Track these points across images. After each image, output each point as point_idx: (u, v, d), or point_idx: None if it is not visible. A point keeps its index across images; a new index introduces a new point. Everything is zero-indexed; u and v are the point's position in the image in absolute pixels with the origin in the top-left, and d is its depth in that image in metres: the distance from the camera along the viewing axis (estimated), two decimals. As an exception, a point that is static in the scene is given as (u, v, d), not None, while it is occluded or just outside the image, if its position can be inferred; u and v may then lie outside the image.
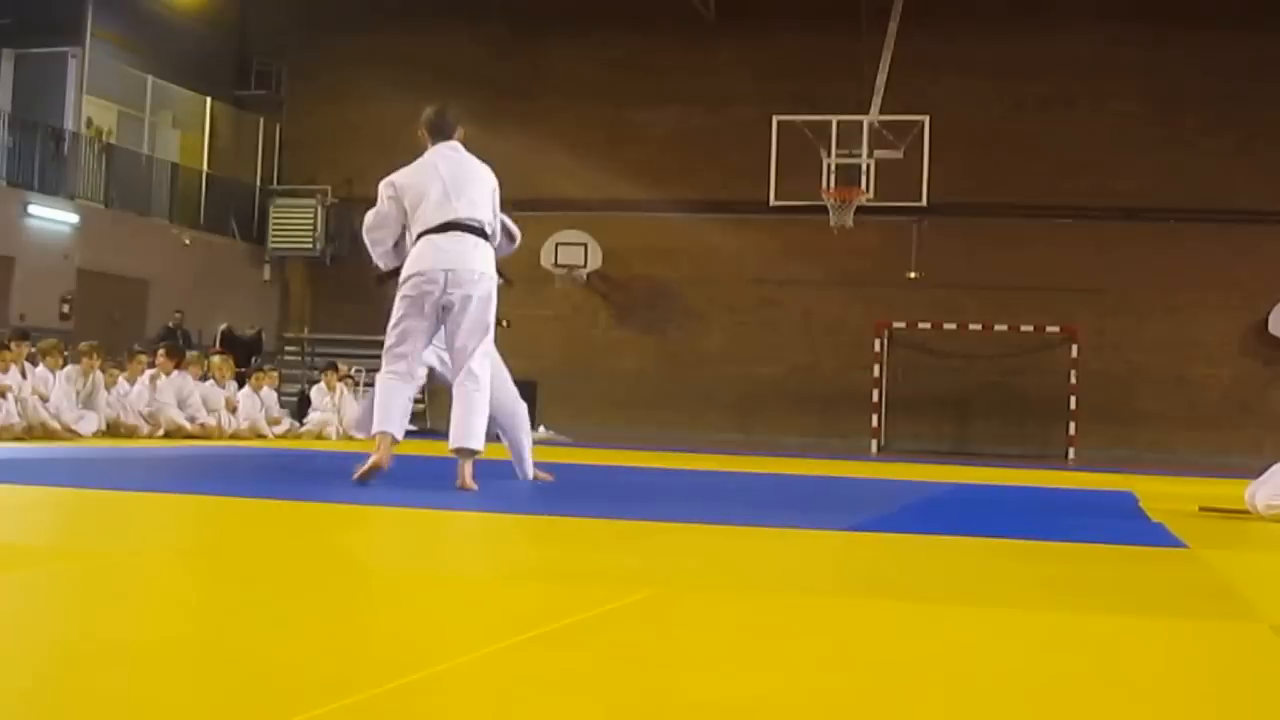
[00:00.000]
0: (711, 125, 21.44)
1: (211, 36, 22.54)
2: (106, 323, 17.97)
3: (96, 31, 19.62)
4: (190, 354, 14.48)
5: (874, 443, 20.36)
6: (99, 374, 12.43)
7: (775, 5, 21.29)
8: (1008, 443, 19.78)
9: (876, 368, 20.71)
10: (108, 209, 19.34)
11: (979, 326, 20.38)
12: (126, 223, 19.55)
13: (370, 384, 22.04)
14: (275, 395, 15.17)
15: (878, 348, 20.79)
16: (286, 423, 14.78)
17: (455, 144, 6.95)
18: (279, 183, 23.04)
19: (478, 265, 6.39)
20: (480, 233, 6.50)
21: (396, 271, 6.61)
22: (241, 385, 14.57)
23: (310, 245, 22.51)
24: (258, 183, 22.86)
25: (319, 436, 14.42)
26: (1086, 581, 3.79)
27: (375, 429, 6.46)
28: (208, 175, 21.70)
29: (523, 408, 7.30)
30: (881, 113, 18.49)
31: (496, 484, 6.79)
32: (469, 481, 6.20)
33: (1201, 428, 19.93)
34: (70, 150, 18.93)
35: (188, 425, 13.11)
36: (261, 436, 13.87)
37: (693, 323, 21.52)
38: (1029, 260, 20.40)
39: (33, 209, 18.08)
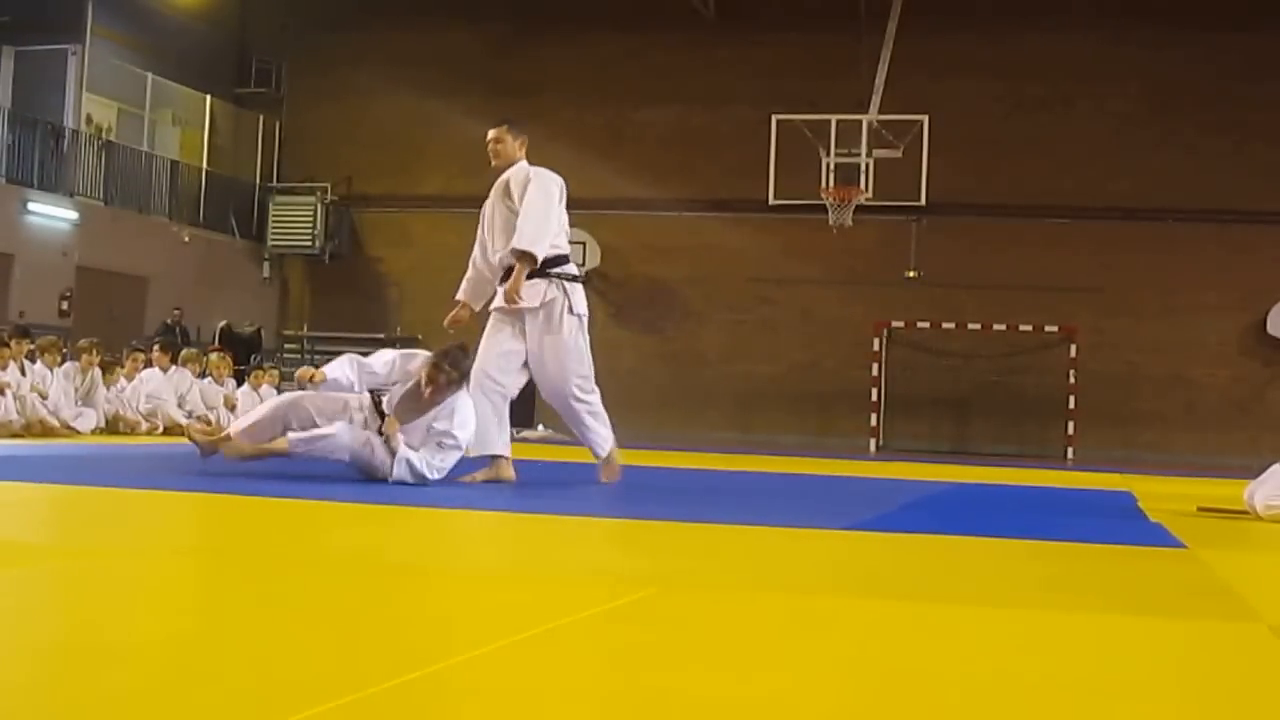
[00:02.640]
0: (711, 124, 21.44)
1: (211, 34, 22.53)
2: (105, 320, 17.96)
3: (96, 29, 19.61)
4: (189, 351, 14.46)
5: (872, 442, 20.37)
6: (97, 371, 12.42)
7: (775, 4, 21.30)
8: (1006, 442, 19.78)
9: (875, 367, 20.71)
10: (107, 206, 19.33)
11: (978, 326, 20.39)
12: (126, 220, 19.55)
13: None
14: (275, 393, 15.16)
15: (876, 347, 20.79)
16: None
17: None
18: (278, 180, 23.05)
19: None
20: None
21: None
22: (240, 383, 14.55)
23: (309, 243, 22.52)
24: (257, 180, 22.86)
25: (318, 434, 14.39)
26: (1085, 581, 3.79)
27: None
28: (207, 173, 21.69)
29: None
30: (881, 112, 18.50)
31: (495, 483, 6.80)
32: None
33: (1200, 428, 19.93)
34: (70, 147, 18.92)
35: (185, 423, 13.09)
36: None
37: (691, 321, 21.52)
38: (1028, 260, 20.41)
39: (32, 206, 18.08)
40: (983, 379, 20.76)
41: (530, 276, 6.68)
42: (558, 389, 6.89)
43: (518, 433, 19.06)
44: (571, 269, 6.97)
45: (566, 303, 6.76)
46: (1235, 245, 19.82)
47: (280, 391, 16.14)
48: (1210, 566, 4.20)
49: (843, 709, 1.97)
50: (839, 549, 4.49)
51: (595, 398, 7.02)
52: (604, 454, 7.07)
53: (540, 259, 6.69)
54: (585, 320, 6.90)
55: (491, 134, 7.15)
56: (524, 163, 7.08)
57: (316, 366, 6.80)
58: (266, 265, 22.94)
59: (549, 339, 6.76)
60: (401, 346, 24.23)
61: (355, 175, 22.80)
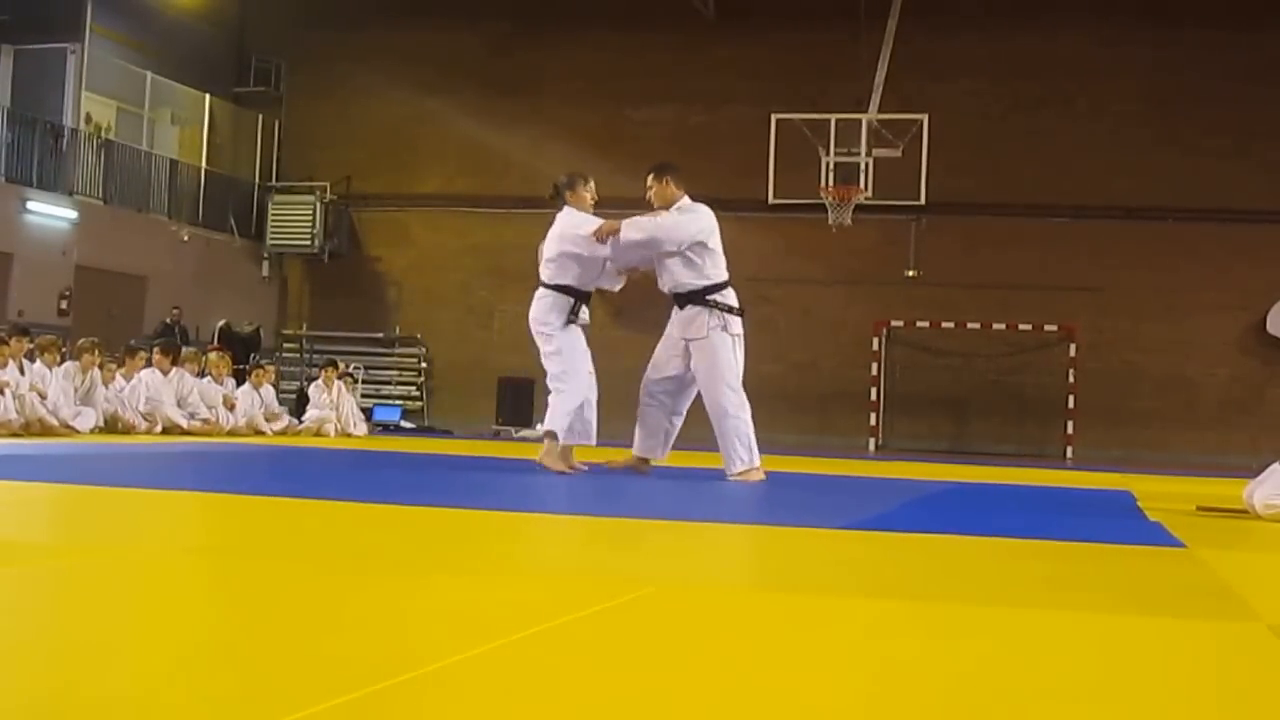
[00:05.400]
0: (710, 123, 21.44)
1: (210, 33, 22.53)
2: (104, 319, 17.96)
3: (96, 28, 19.60)
4: (188, 350, 14.46)
5: (872, 441, 20.37)
6: (97, 371, 12.43)
7: (774, 4, 21.29)
8: (1006, 441, 19.78)
9: (875, 366, 20.71)
10: (106, 205, 19.33)
11: (977, 325, 20.39)
12: (125, 219, 19.54)
13: (369, 380, 22.03)
14: (274, 392, 15.16)
15: (876, 346, 20.79)
16: (285, 420, 14.78)
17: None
18: (277, 179, 23.04)
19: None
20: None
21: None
22: (240, 382, 14.55)
23: (309, 242, 22.51)
24: (256, 179, 22.85)
25: (317, 434, 14.42)
26: (1084, 580, 3.79)
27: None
28: (206, 172, 21.69)
29: (722, 409, 7.89)
30: (880, 111, 18.50)
31: (491, 480, 6.80)
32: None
33: (1199, 427, 19.93)
34: (69, 146, 18.92)
35: (184, 424, 13.09)
36: (260, 433, 13.87)
37: (691, 321, 21.49)
38: (1027, 259, 20.41)
39: (31, 205, 18.08)
40: (982, 378, 20.76)
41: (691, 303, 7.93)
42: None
43: (516, 431, 19.10)
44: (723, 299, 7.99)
45: (721, 325, 7.86)
46: (1235, 245, 19.81)
47: (278, 390, 16.19)
48: (1209, 566, 4.20)
49: (843, 709, 1.97)
50: (838, 548, 4.49)
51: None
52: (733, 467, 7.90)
53: (625, 240, 7.92)
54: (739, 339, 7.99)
55: (647, 183, 8.27)
56: (684, 199, 8.13)
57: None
58: (265, 264, 22.93)
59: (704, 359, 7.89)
60: (400, 346, 24.36)
61: (354, 174, 22.79)
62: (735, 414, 7.74)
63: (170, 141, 21.16)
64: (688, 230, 7.89)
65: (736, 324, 7.92)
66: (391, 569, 3.49)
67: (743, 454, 7.72)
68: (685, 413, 8.14)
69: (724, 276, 8.03)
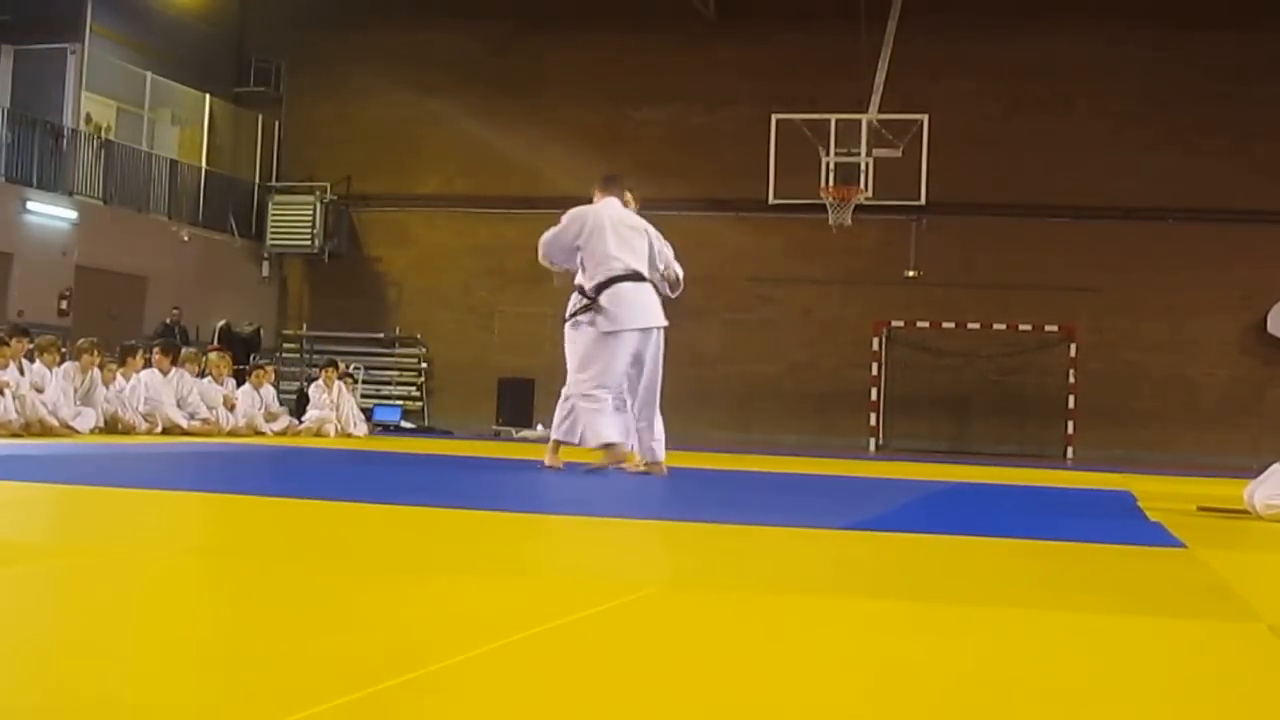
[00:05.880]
0: (710, 123, 21.44)
1: (211, 33, 22.53)
2: (104, 319, 17.96)
3: (96, 28, 19.61)
4: (188, 351, 14.46)
5: (872, 441, 20.37)
6: (97, 371, 12.42)
7: (775, 4, 21.30)
8: (1006, 442, 19.78)
9: (875, 366, 20.72)
10: (106, 205, 19.33)
11: (977, 325, 20.39)
12: (125, 219, 19.55)
13: (369, 380, 22.05)
14: (274, 392, 15.16)
15: (876, 346, 20.79)
16: (285, 420, 14.77)
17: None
18: (277, 179, 23.05)
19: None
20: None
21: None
22: (240, 382, 14.54)
23: (309, 242, 22.52)
24: (256, 179, 22.86)
25: (317, 434, 14.41)
26: (1084, 581, 3.79)
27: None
28: (206, 172, 21.69)
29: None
30: (880, 111, 18.49)
31: (491, 480, 6.79)
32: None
33: (1200, 427, 19.94)
34: (69, 146, 18.92)
35: (184, 424, 13.09)
36: (260, 433, 13.86)
37: (690, 321, 21.40)
38: (1027, 259, 20.41)
39: (31, 205, 18.08)
40: (982, 379, 20.76)
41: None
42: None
43: (516, 432, 19.11)
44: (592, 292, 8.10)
45: (570, 319, 8.16)
46: (1235, 245, 19.82)
47: (279, 390, 16.19)
48: (1210, 566, 4.20)
49: (843, 709, 1.97)
50: (839, 549, 4.49)
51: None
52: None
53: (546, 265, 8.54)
54: (582, 326, 8.18)
55: None
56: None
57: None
58: (265, 264, 22.94)
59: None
60: (400, 346, 24.35)
61: (354, 174, 22.80)
62: (567, 395, 8.15)
63: (170, 141, 21.16)
64: (561, 240, 8.28)
65: (592, 317, 8.14)
66: (392, 569, 3.49)
67: (557, 427, 8.22)
68: (636, 408, 8.53)
69: (601, 277, 8.11)
